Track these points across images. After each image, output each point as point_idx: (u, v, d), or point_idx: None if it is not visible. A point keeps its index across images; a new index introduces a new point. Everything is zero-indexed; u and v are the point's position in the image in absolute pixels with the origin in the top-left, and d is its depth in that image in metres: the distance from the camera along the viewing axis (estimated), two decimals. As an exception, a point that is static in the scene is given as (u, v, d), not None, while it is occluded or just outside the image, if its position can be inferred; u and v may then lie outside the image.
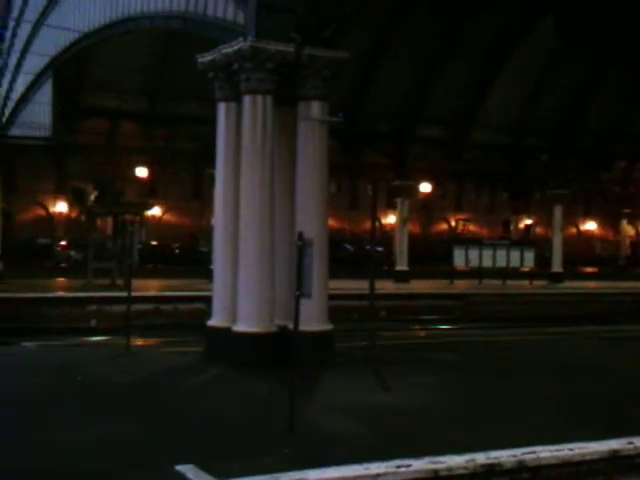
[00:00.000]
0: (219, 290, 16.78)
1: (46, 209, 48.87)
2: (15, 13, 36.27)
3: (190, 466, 9.10)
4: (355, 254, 50.10)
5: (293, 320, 15.08)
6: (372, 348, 16.07)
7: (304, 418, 11.11)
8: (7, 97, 36.41)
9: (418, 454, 9.68)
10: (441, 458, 9.54)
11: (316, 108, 16.60)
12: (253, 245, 15.96)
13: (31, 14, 34.18)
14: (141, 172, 45.22)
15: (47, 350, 17.67)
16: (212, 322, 16.85)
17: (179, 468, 9.08)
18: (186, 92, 35.09)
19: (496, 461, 9.66)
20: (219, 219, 17.08)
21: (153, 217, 50.67)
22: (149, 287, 31.11)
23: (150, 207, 41.22)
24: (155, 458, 9.79)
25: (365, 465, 9.18)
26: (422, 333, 24.90)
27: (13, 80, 36.42)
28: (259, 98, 16.15)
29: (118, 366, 16.10)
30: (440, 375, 15.70)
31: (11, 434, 10.71)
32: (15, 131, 35.66)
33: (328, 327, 16.52)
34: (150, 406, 12.74)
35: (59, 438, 10.51)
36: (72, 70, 35.32)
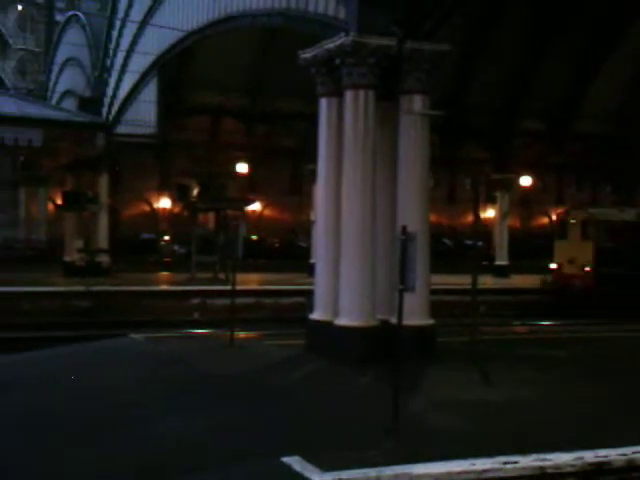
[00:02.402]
0: (320, 284, 16.90)
1: (150, 205, 50.05)
2: (121, 14, 37.28)
3: (296, 457, 9.24)
4: (453, 249, 49.61)
5: (394, 314, 15.13)
6: (474, 343, 15.90)
7: (407, 412, 11.11)
8: (114, 96, 37.50)
9: (523, 451, 9.57)
10: (548, 455, 9.41)
11: (418, 102, 16.52)
12: (354, 239, 16.01)
13: (136, 14, 35.09)
14: (242, 168, 45.80)
15: (154, 342, 18.14)
16: (314, 316, 16.99)
17: (285, 459, 9.22)
18: (286, 88, 35.37)
19: (605, 459, 9.47)
20: (321, 214, 17.20)
21: (253, 212, 51.27)
22: (250, 281, 31.57)
23: (251, 202, 41.75)
24: (260, 449, 9.97)
25: (471, 461, 9.14)
26: (522, 329, 24.45)
27: (119, 79, 37.47)
28: (361, 93, 16.17)
29: (222, 358, 16.42)
30: (543, 371, 15.45)
31: (122, 424, 11.09)
32: (121, 129, 36.68)
33: (430, 322, 16.44)
34: (253, 398, 12.96)
35: (167, 429, 10.82)
36: (176, 68, 36.14)
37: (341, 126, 16.58)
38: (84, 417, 11.48)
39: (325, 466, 8.92)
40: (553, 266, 30.35)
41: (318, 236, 17.30)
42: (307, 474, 8.73)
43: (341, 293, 16.15)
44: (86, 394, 12.97)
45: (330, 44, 16.59)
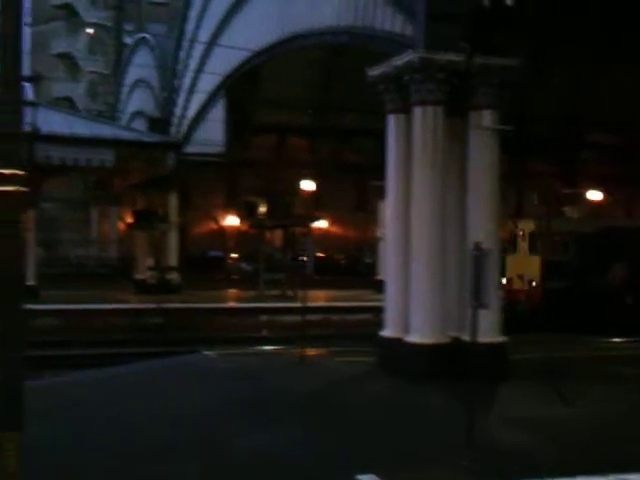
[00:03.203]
0: (391, 301, 16.87)
1: (217, 223, 50.66)
2: (189, 36, 37.99)
3: (371, 476, 9.22)
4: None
5: (465, 331, 15.08)
6: (548, 361, 15.66)
7: (480, 431, 10.98)
8: (182, 116, 38.20)
9: (599, 469, 9.40)
10: (630, 476, 9.21)
11: (487, 117, 16.40)
12: (424, 256, 15.95)
13: (204, 35, 35.73)
14: (308, 185, 46.09)
15: (225, 358, 18.30)
16: (384, 333, 16.95)
17: (360, 478, 9.21)
18: (351, 105, 35.53)
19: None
20: (390, 230, 17.19)
21: (319, 229, 51.51)
22: (317, 298, 31.66)
23: (317, 219, 41.94)
24: (334, 466, 9.98)
25: (549, 480, 9.02)
26: (596, 345, 23.94)
27: (187, 100, 38.17)
28: (430, 109, 16.14)
29: (293, 375, 16.48)
30: (619, 388, 15.11)
31: (193, 440, 11.22)
32: (190, 148, 37.32)
33: (502, 338, 16.25)
34: (325, 415, 12.98)
35: (239, 445, 10.91)
36: (242, 88, 36.61)
37: (410, 142, 16.56)
38: (156, 434, 11.63)
39: (401, 484, 8.90)
40: (503, 281, 26.95)
41: (388, 252, 17.29)
42: (383, 492, 8.72)
43: (411, 310, 16.09)
44: (159, 411, 13.14)
45: (398, 61, 16.61)
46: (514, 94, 17.38)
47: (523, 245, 27.82)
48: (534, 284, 26.57)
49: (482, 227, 15.89)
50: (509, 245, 28.25)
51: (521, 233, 28.08)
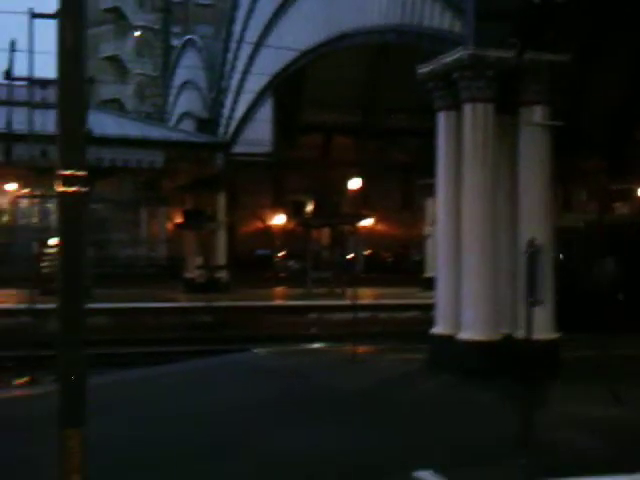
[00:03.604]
0: (442, 298, 16.85)
1: (264, 222, 50.95)
2: (236, 36, 38.27)
3: (428, 472, 9.23)
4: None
5: (518, 328, 15.02)
6: (603, 359, 15.50)
7: (536, 428, 10.93)
8: (230, 116, 38.48)
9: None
10: (689, 474, 9.10)
11: (538, 113, 16.30)
12: (476, 253, 15.91)
13: (251, 36, 35.96)
14: (354, 184, 46.12)
15: (276, 356, 18.45)
16: (435, 330, 16.94)
17: (418, 474, 9.23)
18: (397, 104, 35.50)
19: None
20: (440, 228, 17.17)
21: (365, 227, 51.53)
22: (365, 295, 31.68)
23: (365, 218, 41.96)
24: (389, 464, 10.01)
25: (607, 478, 8.94)
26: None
27: (235, 100, 38.45)
28: (479, 106, 16.09)
29: (344, 373, 16.54)
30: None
31: (248, 438, 11.32)
32: (238, 149, 37.58)
33: (554, 335, 16.13)
34: (378, 413, 13.01)
35: (293, 444, 10.96)
36: (289, 87, 36.77)
37: (459, 140, 16.54)
38: (207, 432, 11.70)
39: (458, 481, 8.90)
40: None
41: (438, 250, 17.27)
42: (441, 489, 8.73)
43: (463, 307, 16.07)
44: (209, 409, 13.28)
45: (447, 58, 16.58)
46: (564, 90, 17.25)
47: None
48: None
49: (534, 223, 15.80)
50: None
51: None
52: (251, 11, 37.29)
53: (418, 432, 11.63)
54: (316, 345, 21.76)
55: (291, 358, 18.33)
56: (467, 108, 16.24)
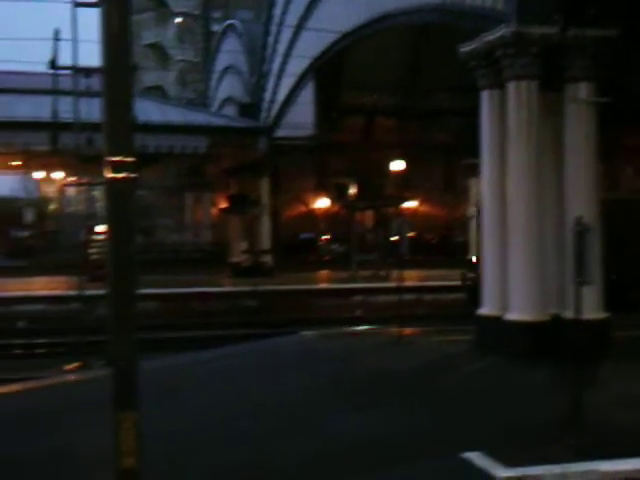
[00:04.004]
0: (489, 279, 16.74)
1: (308, 205, 51.00)
2: (276, 20, 38.21)
3: (477, 453, 9.23)
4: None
5: (565, 308, 14.86)
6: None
7: (586, 408, 10.83)
8: (272, 100, 38.49)
9: None
10: None
11: (583, 90, 16.06)
12: (522, 233, 15.78)
13: (291, 19, 35.88)
14: (396, 166, 45.91)
15: (324, 339, 18.52)
16: (482, 311, 16.85)
17: (466, 455, 9.23)
18: (438, 84, 35.16)
19: None
20: (486, 208, 17.03)
21: (408, 209, 51.33)
22: (409, 277, 31.49)
23: (407, 199, 41.82)
24: (438, 445, 10.03)
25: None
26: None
27: (276, 84, 38.42)
28: (523, 84, 15.90)
29: (391, 355, 16.57)
30: None
31: (298, 420, 11.42)
32: (280, 133, 37.60)
33: (604, 315, 15.94)
34: (426, 394, 13.03)
35: (343, 426, 11.04)
36: (330, 70, 36.63)
37: (503, 118, 16.36)
38: (261, 415, 11.84)
39: (508, 462, 8.88)
40: (474, 259, 24.00)
41: (484, 231, 17.14)
42: (491, 470, 8.72)
43: (510, 287, 15.95)
44: (262, 391, 13.41)
45: (490, 36, 16.38)
46: (610, 65, 16.96)
47: None
48: None
49: (580, 201, 15.61)
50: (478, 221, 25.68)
51: None
52: (291, -6, 37.20)
53: (466, 413, 11.62)
54: (362, 327, 21.78)
55: (338, 341, 18.38)
56: (511, 86, 16.06)
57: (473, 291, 24.39)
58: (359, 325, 22.61)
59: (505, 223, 16.15)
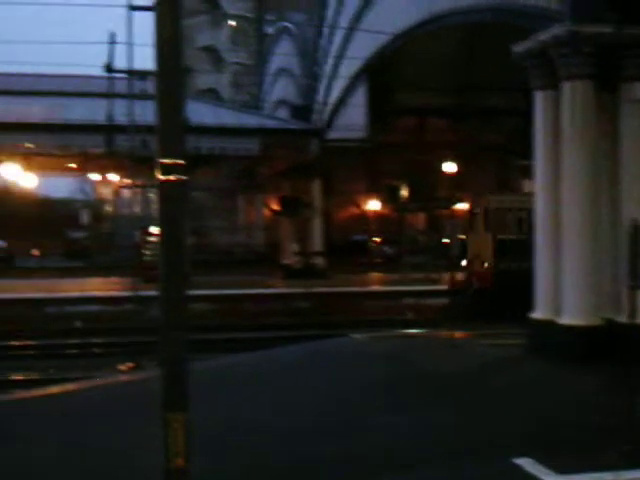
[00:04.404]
0: (541, 282, 16.52)
1: (359, 207, 50.98)
2: (329, 22, 38.29)
3: (527, 459, 9.12)
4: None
5: (620, 313, 14.60)
6: None
7: (638, 414, 10.65)
8: (324, 102, 38.58)
9: None
10: None
11: (639, 89, 15.76)
12: (576, 236, 15.54)
13: (344, 21, 35.92)
14: (449, 167, 45.65)
15: (374, 341, 18.45)
16: (535, 315, 16.64)
17: (516, 461, 9.13)
18: (491, 85, 34.92)
19: None
20: (539, 211, 16.81)
21: (460, 211, 50.93)
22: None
23: (460, 201, 41.46)
24: (488, 449, 9.93)
25: None
26: None
27: (329, 86, 38.51)
28: (578, 84, 15.66)
29: (441, 357, 16.45)
30: None
31: (355, 421, 11.43)
32: (332, 134, 37.68)
33: (660, 320, 15.61)
34: (476, 398, 12.90)
35: (391, 426, 11.02)
36: (383, 71, 36.61)
37: (557, 118, 16.13)
38: (313, 416, 11.88)
39: (559, 469, 8.75)
40: (464, 263, 24.91)
41: (537, 233, 16.92)
42: (541, 476, 8.60)
43: (563, 291, 15.72)
44: (312, 393, 13.44)
45: (544, 35, 16.17)
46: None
47: (479, 223, 25.00)
48: (486, 265, 23.97)
49: (636, 204, 15.31)
50: (470, 223, 25.63)
51: (477, 210, 25.34)
52: (343, -4, 37.26)
53: (518, 417, 11.48)
54: (413, 330, 21.68)
55: (389, 343, 18.31)
56: (565, 86, 15.83)
57: (457, 293, 24.48)
58: (409, 328, 22.50)
59: (559, 227, 15.92)
